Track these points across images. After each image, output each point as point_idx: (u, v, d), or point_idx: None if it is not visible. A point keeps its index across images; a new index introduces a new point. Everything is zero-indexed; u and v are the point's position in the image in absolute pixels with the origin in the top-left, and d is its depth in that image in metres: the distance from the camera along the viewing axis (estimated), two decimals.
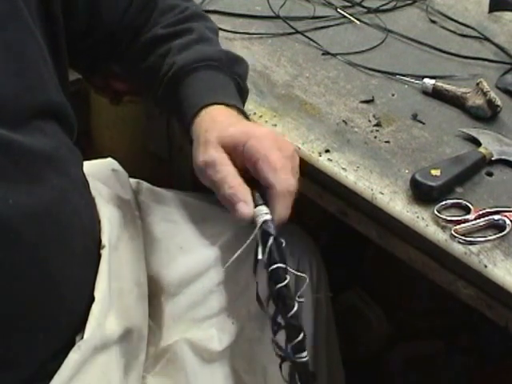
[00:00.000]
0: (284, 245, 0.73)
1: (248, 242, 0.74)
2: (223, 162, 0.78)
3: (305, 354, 0.72)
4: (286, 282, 0.71)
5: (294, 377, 0.73)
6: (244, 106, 0.93)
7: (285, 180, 0.76)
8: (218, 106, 0.85)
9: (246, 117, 0.89)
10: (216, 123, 0.82)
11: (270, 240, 0.72)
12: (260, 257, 0.72)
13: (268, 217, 0.74)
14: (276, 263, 0.71)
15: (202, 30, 0.95)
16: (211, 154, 0.79)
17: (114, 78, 1.39)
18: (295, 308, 0.71)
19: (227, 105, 0.86)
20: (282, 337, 0.73)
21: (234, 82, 0.92)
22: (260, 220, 0.74)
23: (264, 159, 0.76)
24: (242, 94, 0.94)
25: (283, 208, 0.76)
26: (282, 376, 0.74)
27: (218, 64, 0.91)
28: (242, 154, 0.78)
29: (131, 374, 0.84)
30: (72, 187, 0.80)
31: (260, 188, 0.78)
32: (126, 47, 0.97)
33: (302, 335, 0.71)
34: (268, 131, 0.81)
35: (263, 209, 0.75)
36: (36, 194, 0.73)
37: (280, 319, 0.72)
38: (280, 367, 0.73)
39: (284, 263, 0.72)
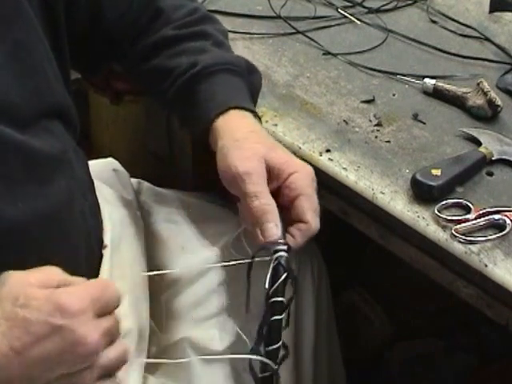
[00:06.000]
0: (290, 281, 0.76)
1: (252, 257, 0.77)
2: (264, 176, 0.80)
3: None
4: (281, 316, 0.74)
5: None
6: None
7: (317, 222, 0.81)
8: (244, 111, 0.87)
9: None
10: (256, 133, 0.84)
11: (283, 276, 0.75)
12: (267, 286, 0.75)
13: (285, 253, 0.77)
14: (279, 297, 0.74)
15: (215, 33, 0.96)
16: (255, 166, 0.80)
17: (115, 77, 1.38)
18: (279, 344, 0.74)
19: (252, 112, 0.88)
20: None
21: (250, 91, 0.92)
22: (278, 253, 0.76)
23: (308, 198, 0.81)
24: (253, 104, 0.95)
25: (303, 242, 0.80)
26: None
27: (238, 69, 0.92)
28: (281, 180, 0.81)
29: (132, 373, 0.84)
30: (78, 188, 0.80)
31: None
32: (129, 46, 0.96)
33: (269, 373, 0.74)
34: (310, 170, 0.84)
35: (282, 244, 0.78)
36: (44, 196, 0.73)
37: (261, 349, 0.74)
38: None
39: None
